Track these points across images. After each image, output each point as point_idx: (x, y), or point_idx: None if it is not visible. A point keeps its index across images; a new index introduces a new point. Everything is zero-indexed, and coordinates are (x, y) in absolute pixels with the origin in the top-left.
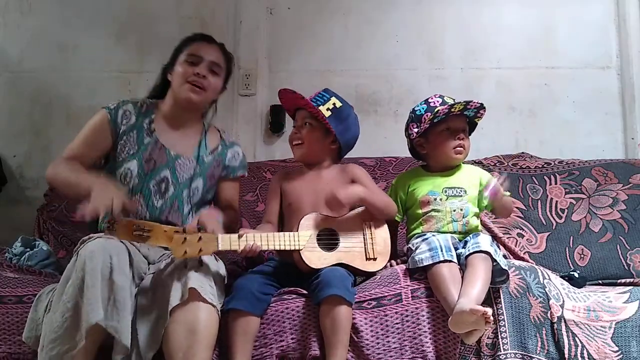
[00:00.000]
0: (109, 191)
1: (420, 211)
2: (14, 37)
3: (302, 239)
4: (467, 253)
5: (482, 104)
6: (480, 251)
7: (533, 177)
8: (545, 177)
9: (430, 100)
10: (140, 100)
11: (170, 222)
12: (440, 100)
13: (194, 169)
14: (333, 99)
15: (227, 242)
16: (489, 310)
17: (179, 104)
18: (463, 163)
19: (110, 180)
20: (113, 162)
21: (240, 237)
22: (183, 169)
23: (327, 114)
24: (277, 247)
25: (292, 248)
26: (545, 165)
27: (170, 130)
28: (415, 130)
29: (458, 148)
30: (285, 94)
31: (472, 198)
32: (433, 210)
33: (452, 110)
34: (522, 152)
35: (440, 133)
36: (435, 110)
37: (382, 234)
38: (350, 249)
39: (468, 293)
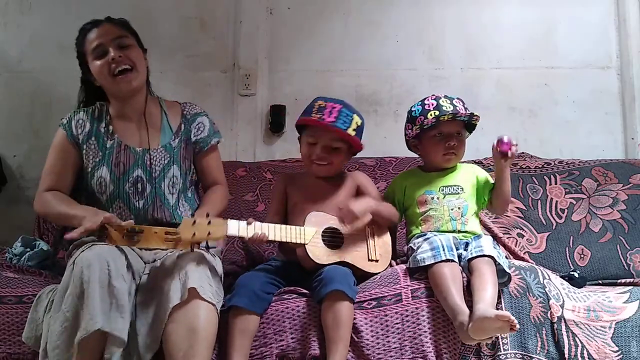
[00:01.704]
0: (100, 212)
1: (418, 210)
2: (14, 37)
3: (308, 234)
4: (470, 257)
5: (472, 113)
6: (484, 255)
7: (533, 177)
8: (545, 177)
9: (425, 101)
10: (91, 107)
11: (156, 219)
12: (435, 103)
13: (164, 158)
14: (355, 118)
15: (236, 227)
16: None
17: (122, 97)
18: (460, 162)
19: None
20: (86, 173)
21: (249, 224)
22: (154, 162)
23: (353, 133)
24: (284, 239)
25: (298, 241)
26: (545, 165)
27: (129, 126)
28: (409, 131)
29: (447, 156)
30: (318, 124)
31: (469, 196)
32: (431, 209)
33: (441, 119)
34: (522, 152)
35: (432, 137)
36: (428, 115)
37: (384, 237)
38: (353, 249)
39: (484, 298)
